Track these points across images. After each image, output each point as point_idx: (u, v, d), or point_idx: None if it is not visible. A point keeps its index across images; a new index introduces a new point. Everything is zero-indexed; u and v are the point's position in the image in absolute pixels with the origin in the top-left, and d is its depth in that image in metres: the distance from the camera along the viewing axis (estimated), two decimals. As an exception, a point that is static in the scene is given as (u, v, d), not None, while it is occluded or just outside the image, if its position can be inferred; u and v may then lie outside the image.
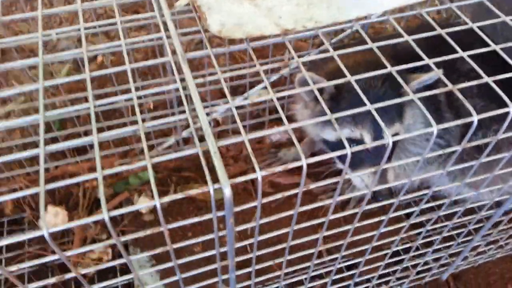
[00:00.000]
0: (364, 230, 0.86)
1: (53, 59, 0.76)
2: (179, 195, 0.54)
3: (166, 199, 0.52)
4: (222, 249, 0.67)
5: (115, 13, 0.78)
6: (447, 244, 1.09)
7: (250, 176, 0.55)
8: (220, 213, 0.58)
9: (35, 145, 1.32)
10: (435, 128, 0.60)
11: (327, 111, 0.61)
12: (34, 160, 1.40)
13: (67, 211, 1.24)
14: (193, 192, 0.54)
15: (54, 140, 1.31)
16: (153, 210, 1.30)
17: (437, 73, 0.72)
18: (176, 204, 1.32)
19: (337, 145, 1.05)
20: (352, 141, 1.02)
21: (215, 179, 0.54)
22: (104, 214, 0.50)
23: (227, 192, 0.54)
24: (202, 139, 0.59)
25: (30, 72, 1.63)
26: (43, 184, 0.53)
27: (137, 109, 0.61)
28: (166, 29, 0.73)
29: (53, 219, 1.23)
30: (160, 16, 0.76)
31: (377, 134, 0.99)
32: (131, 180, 1.30)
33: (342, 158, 1.09)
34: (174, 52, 0.70)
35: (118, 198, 1.26)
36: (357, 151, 0.58)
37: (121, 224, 1.26)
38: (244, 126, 1.49)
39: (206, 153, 1.13)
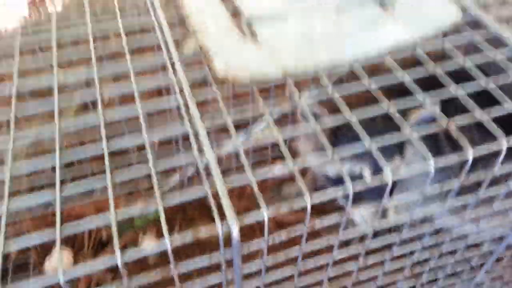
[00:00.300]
0: (369, 267, 0.86)
1: (68, 102, 0.80)
2: (188, 237, 0.56)
3: (177, 241, 0.54)
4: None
5: (126, 56, 0.83)
6: (452, 281, 1.09)
7: (257, 217, 0.57)
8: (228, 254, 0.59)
9: (41, 187, 1.33)
10: (432, 166, 0.63)
11: (329, 149, 0.64)
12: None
13: (72, 253, 1.25)
14: (202, 234, 0.56)
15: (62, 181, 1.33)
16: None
17: (435, 110, 0.75)
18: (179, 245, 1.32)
19: (339, 181, 1.06)
20: (353, 178, 1.04)
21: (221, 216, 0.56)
22: (117, 258, 0.52)
23: (235, 233, 0.55)
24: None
25: (39, 114, 1.68)
26: (59, 228, 0.55)
27: (148, 150, 0.64)
28: (174, 71, 0.77)
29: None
30: (169, 59, 0.80)
31: (377, 169, 1.01)
32: (136, 220, 1.31)
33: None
34: (181, 92, 0.74)
35: (123, 239, 1.27)
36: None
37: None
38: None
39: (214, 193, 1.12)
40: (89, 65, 0.84)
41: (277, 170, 0.68)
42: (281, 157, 1.59)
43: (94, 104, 1.37)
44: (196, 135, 0.68)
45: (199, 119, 0.70)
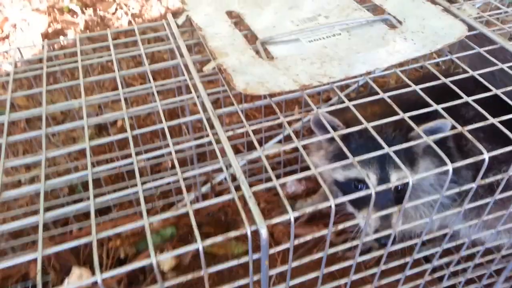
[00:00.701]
0: (387, 274, 0.88)
1: (94, 122, 0.83)
2: (219, 238, 0.58)
3: (209, 241, 0.56)
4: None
5: (150, 78, 0.87)
6: (472, 287, 1.09)
7: (285, 217, 0.59)
8: (255, 256, 0.61)
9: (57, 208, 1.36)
10: (450, 167, 0.65)
11: (350, 155, 0.67)
12: (57, 222, 1.44)
13: (91, 272, 1.26)
14: (232, 234, 0.58)
15: (78, 201, 1.35)
16: (175, 268, 1.31)
17: (444, 121, 0.78)
18: (198, 260, 1.33)
19: (346, 185, 1.08)
20: (359, 182, 1.06)
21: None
22: (153, 260, 0.54)
23: (264, 233, 0.58)
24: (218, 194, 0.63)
25: (53, 139, 1.72)
26: (95, 235, 0.57)
27: (176, 162, 0.67)
28: (196, 90, 0.81)
29: (78, 280, 1.24)
30: (190, 80, 0.85)
31: (383, 176, 1.03)
32: (153, 238, 1.33)
33: (351, 200, 1.11)
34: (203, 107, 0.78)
35: (142, 256, 1.28)
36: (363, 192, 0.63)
37: (144, 282, 1.27)
38: (260, 180, 1.54)
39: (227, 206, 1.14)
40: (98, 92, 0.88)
41: (303, 174, 0.69)
42: (293, 173, 1.60)
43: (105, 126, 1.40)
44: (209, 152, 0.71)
45: (223, 132, 0.73)
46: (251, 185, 1.55)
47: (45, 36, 2.18)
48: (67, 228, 1.38)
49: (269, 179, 1.52)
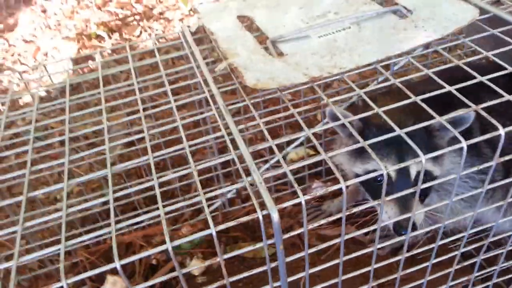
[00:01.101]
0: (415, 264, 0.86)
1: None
2: (232, 223, 0.59)
3: (221, 226, 0.58)
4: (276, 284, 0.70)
5: (165, 84, 0.90)
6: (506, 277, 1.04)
7: (295, 201, 0.60)
8: (270, 241, 0.62)
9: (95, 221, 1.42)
10: (464, 144, 0.64)
11: (360, 139, 0.67)
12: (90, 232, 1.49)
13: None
14: (244, 219, 0.59)
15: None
16: (206, 272, 1.32)
17: (464, 111, 0.77)
18: (226, 264, 1.34)
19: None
20: (379, 174, 1.04)
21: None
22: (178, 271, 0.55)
23: (275, 216, 0.58)
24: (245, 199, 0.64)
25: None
26: (114, 226, 0.60)
27: (191, 157, 0.69)
28: (209, 90, 0.84)
29: (112, 287, 1.27)
30: (203, 81, 0.88)
31: (402, 168, 1.00)
32: (183, 244, 1.35)
33: (370, 192, 1.09)
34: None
35: (171, 263, 1.31)
36: (382, 184, 0.63)
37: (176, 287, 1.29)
38: (285, 183, 1.55)
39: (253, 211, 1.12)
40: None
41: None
42: (317, 175, 1.59)
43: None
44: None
45: (234, 126, 0.75)
46: (276, 189, 1.55)
47: (75, 61, 2.30)
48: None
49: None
